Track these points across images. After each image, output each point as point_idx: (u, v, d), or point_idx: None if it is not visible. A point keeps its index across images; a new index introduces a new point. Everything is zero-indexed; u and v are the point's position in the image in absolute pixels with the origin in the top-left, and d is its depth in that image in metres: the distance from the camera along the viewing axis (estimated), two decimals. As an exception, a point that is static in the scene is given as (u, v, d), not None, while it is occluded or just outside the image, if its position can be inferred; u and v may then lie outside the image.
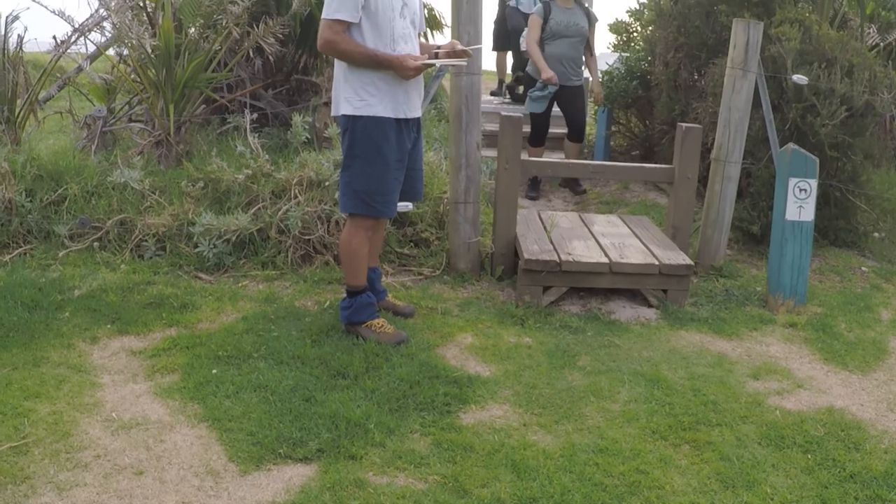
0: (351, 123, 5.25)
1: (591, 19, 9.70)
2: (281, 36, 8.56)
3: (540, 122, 9.85)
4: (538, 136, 9.91)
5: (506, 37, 13.00)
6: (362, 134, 5.24)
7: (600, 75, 10.58)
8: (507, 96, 13.23)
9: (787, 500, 4.13)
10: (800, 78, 7.54)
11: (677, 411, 4.91)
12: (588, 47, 9.82)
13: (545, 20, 9.52)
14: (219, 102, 9.04)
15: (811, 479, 4.33)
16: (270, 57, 8.82)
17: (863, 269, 8.01)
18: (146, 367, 5.06)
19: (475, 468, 4.18)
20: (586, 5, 9.83)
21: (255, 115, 8.36)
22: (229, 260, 6.62)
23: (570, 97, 9.76)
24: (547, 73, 9.30)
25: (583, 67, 9.96)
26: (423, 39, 5.78)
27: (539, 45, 9.46)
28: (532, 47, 9.60)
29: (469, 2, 6.44)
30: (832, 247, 8.41)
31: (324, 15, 5.14)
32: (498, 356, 5.48)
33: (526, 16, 12.13)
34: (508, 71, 13.75)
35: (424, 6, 6.52)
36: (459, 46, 5.70)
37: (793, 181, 6.66)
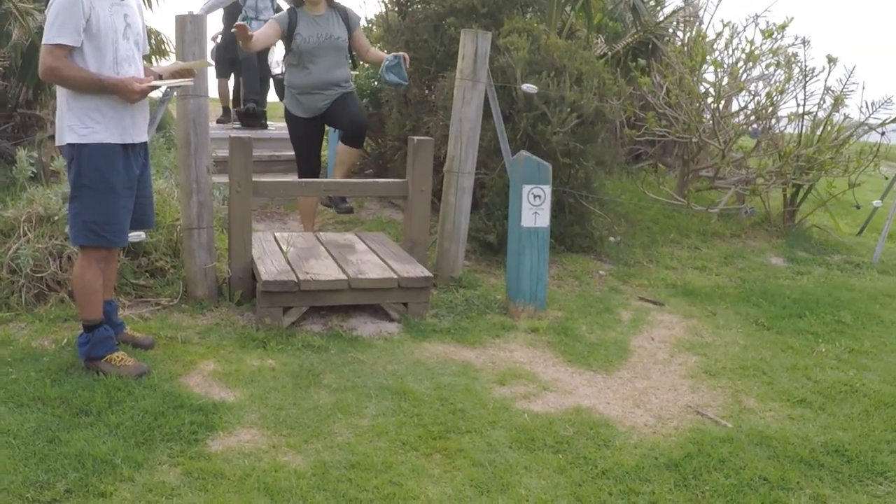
0: (76, 152, 5.26)
1: (350, 23, 8.15)
2: (1, 69, 8.50)
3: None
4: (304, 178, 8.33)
5: (229, 63, 13.01)
6: (88, 162, 5.25)
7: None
8: (237, 122, 13.11)
9: (542, 500, 4.39)
10: (529, 87, 7.93)
11: (426, 421, 5.13)
12: (360, 49, 8.29)
13: (289, 35, 7.93)
14: (-61, 143, 8.92)
15: (564, 478, 4.61)
16: (-8, 92, 8.76)
17: (600, 272, 8.51)
18: None
19: (228, 494, 4.28)
20: (342, 5, 8.24)
21: (-23, 154, 8.27)
22: (-40, 306, 6.52)
23: (339, 105, 8.17)
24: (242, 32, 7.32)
25: (349, 75, 8.43)
26: (147, 63, 5.87)
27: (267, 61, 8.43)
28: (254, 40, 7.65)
29: (193, 22, 6.56)
30: (569, 252, 8.89)
31: (44, 40, 5.12)
32: (242, 381, 5.59)
33: None
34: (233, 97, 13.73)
35: (149, 32, 6.58)
36: (183, 64, 5.88)
37: (526, 188, 7.00)
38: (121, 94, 5.23)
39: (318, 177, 8.50)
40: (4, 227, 6.90)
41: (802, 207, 11.00)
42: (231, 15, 12.55)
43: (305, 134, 8.40)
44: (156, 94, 6.12)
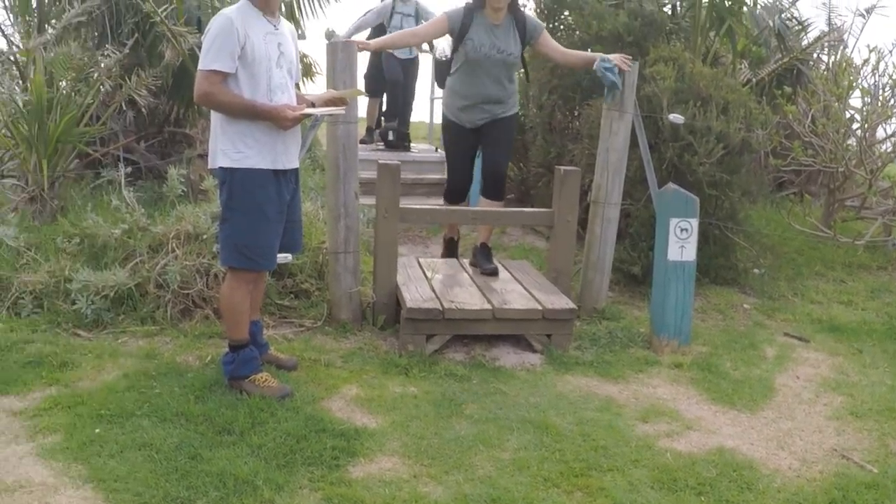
0: (228, 176, 5.33)
1: (528, 34, 7.35)
2: (153, 88, 8.76)
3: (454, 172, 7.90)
4: (451, 191, 7.92)
5: (379, 83, 13.02)
6: (240, 187, 5.32)
7: None
8: (381, 143, 13.11)
9: (682, 543, 4.29)
10: (676, 117, 7.80)
11: (568, 457, 5.02)
12: (554, 53, 7.57)
13: (460, 38, 7.23)
14: (92, 157, 9.18)
15: (706, 521, 4.49)
16: (143, 109, 8.97)
17: (745, 306, 8.30)
18: (28, 428, 5.02)
19: (368, 522, 4.25)
20: (525, 13, 7.50)
21: (128, 169, 8.43)
22: (108, 316, 6.63)
23: (491, 133, 7.57)
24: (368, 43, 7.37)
25: (515, 91, 7.69)
26: (297, 90, 5.90)
27: (441, 75, 7.69)
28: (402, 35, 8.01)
29: (344, 49, 6.59)
30: (713, 285, 8.69)
31: (200, 66, 5.21)
32: (384, 407, 5.56)
33: (403, 62, 12.30)
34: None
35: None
36: (336, 93, 5.90)
37: (674, 221, 6.87)
38: (274, 120, 5.28)
39: (468, 188, 7.92)
40: (153, 243, 7.01)
41: (951, 239, 10.56)
42: (377, 35, 12.60)
43: (461, 141, 7.70)
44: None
